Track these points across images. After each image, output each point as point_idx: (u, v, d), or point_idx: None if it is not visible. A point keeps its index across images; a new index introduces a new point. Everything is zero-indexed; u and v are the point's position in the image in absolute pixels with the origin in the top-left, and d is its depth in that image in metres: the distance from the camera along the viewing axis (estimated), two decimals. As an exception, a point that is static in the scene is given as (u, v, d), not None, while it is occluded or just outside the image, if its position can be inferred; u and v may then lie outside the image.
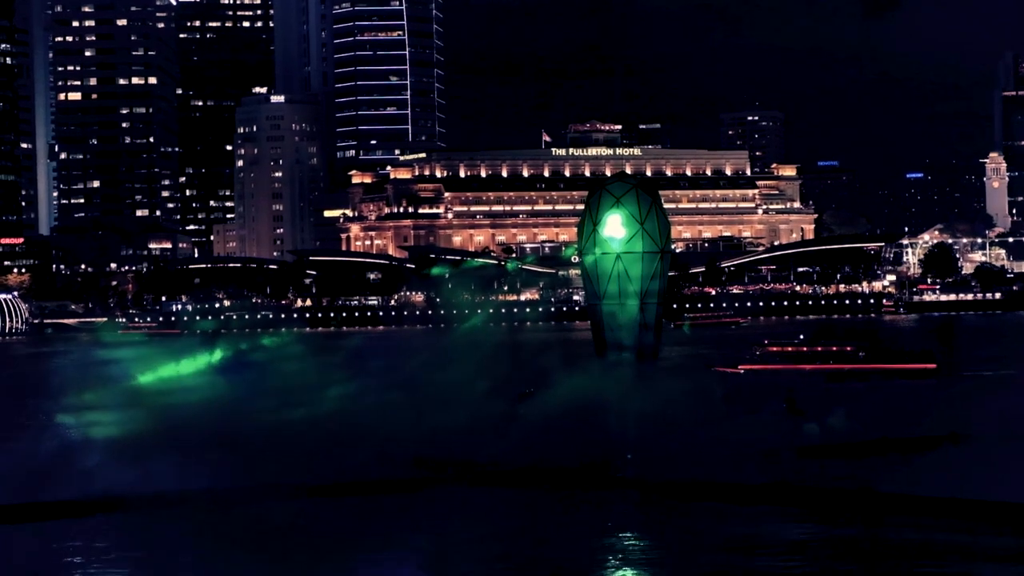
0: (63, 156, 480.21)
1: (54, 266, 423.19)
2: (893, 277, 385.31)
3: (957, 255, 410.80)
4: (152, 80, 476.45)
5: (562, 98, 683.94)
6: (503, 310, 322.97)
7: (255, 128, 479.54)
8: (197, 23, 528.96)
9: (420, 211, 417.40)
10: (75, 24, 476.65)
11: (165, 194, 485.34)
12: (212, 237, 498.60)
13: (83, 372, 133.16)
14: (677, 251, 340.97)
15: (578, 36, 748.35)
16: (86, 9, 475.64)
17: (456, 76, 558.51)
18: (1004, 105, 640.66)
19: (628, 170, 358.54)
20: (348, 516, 62.32)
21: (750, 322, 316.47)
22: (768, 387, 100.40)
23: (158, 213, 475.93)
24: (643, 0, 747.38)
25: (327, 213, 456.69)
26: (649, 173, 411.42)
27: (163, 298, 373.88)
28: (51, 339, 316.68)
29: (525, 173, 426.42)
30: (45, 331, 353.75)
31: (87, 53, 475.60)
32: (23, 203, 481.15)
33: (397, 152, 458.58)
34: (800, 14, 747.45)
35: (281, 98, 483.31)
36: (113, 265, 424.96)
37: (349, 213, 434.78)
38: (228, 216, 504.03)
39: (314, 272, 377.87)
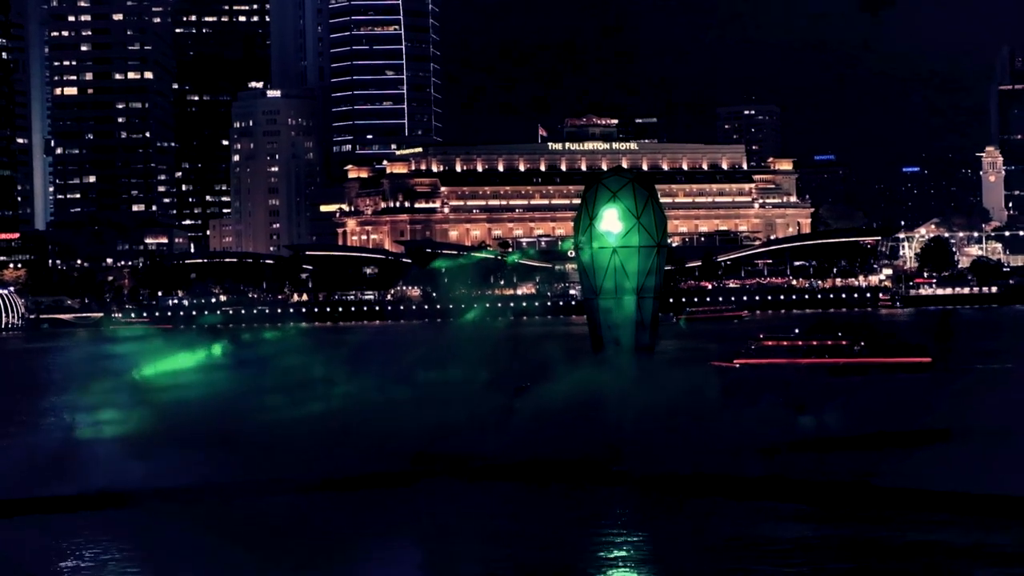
0: (59, 151, 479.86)
1: (50, 261, 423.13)
2: (889, 271, 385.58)
3: (953, 249, 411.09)
4: (148, 75, 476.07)
5: (558, 92, 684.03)
6: (500, 304, 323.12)
7: (251, 123, 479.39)
8: (193, 17, 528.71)
9: (416, 206, 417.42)
10: (71, 19, 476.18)
11: (161, 189, 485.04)
12: (208, 232, 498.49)
13: (85, 367, 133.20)
14: (673, 245, 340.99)
15: (574, 30, 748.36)
16: (82, 4, 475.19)
17: (452, 70, 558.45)
18: (1000, 99, 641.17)
19: (624, 164, 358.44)
20: (346, 511, 62.34)
21: (752, 316, 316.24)
22: (764, 381, 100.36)
23: (154, 208, 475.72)
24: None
25: (323, 208, 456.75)
26: (645, 167, 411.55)
27: (159, 293, 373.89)
28: (48, 335, 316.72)
29: (521, 167, 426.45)
30: (41, 326, 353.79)
31: (83, 48, 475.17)
32: (19, 198, 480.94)
33: (393, 147, 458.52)
34: (797, 8, 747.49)
35: (277, 93, 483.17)
36: (109, 260, 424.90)
37: (345, 208, 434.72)
38: (224, 211, 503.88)
39: (310, 267, 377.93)
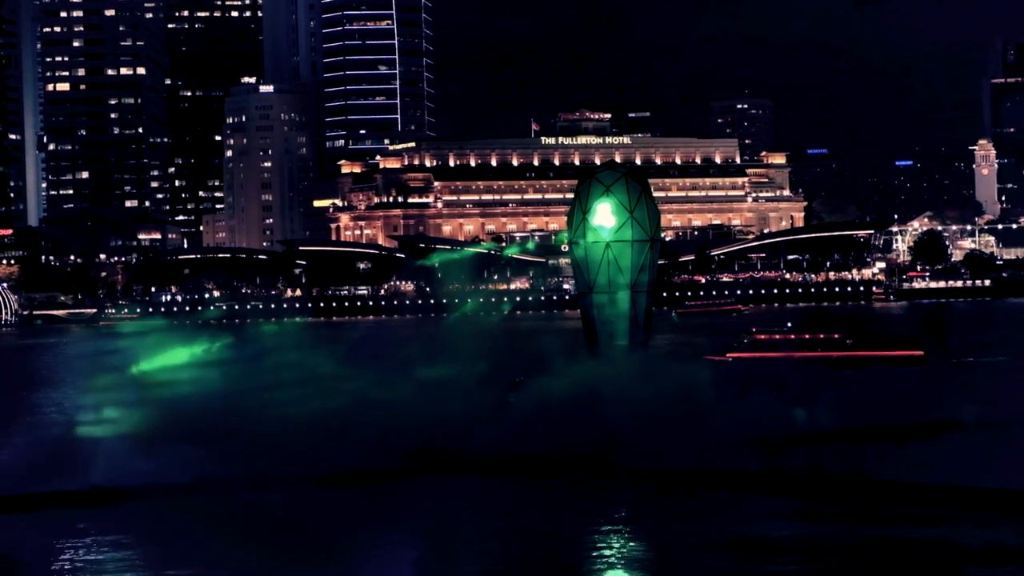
0: (52, 147, 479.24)
1: (43, 257, 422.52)
2: (883, 264, 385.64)
3: (947, 242, 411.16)
4: (141, 70, 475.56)
5: (551, 87, 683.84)
6: (493, 299, 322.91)
7: (244, 118, 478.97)
8: (185, 13, 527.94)
9: (410, 201, 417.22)
10: (63, 14, 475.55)
11: (154, 184, 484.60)
12: (201, 227, 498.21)
13: (85, 362, 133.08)
14: (667, 239, 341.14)
15: (567, 25, 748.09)
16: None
17: (445, 65, 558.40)
18: (993, 92, 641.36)
19: (617, 159, 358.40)
20: (342, 507, 62.32)
21: (751, 310, 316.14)
22: (756, 375, 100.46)
23: (147, 204, 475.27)
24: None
25: (316, 203, 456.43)
26: (639, 161, 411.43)
27: (153, 289, 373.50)
28: (41, 331, 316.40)
29: (515, 162, 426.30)
30: (35, 323, 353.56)
31: (75, 44, 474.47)
32: (11, 194, 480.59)
33: (386, 142, 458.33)
34: (790, 2, 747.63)
35: (270, 88, 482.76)
36: (102, 256, 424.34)
37: (339, 203, 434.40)
38: (217, 206, 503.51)
39: (304, 262, 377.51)
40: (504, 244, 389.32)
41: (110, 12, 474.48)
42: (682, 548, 52.58)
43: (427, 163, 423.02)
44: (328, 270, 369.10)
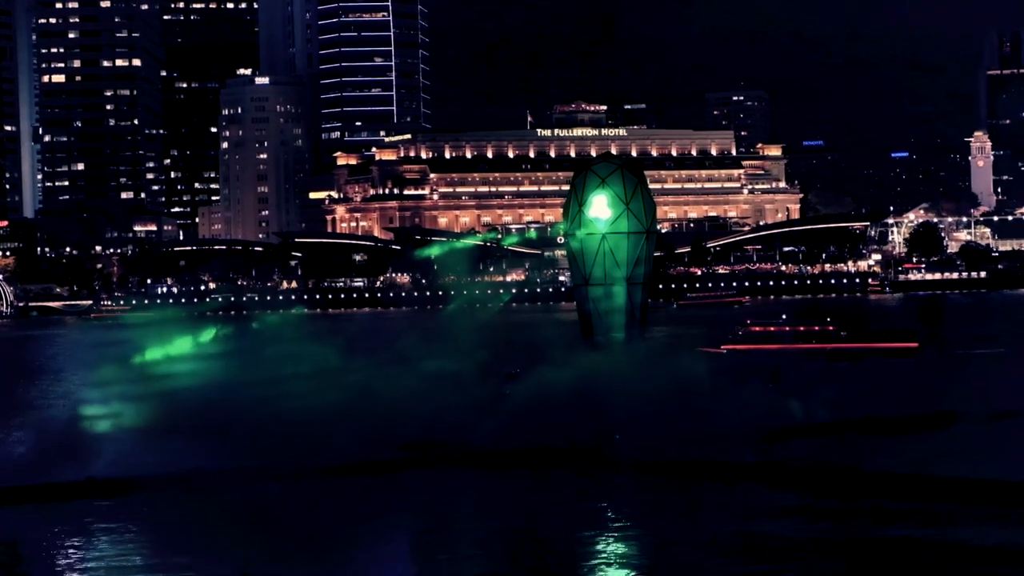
0: (47, 138, 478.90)
1: (39, 249, 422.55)
2: (878, 256, 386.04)
3: (942, 234, 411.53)
4: (136, 62, 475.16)
5: (547, 79, 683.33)
6: (489, 291, 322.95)
7: (240, 110, 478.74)
8: (181, 4, 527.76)
9: (405, 192, 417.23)
10: (59, 6, 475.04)
11: (150, 176, 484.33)
12: (197, 219, 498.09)
13: (87, 353, 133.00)
14: (663, 231, 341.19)
15: (563, 16, 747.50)
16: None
17: (441, 57, 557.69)
18: (989, 84, 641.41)
19: (613, 151, 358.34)
20: (338, 498, 62.41)
21: (752, 301, 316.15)
22: (751, 367, 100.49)
23: (143, 195, 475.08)
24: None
25: (312, 195, 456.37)
26: (634, 153, 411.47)
27: (148, 280, 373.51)
28: (37, 322, 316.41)
29: (510, 154, 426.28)
30: (30, 314, 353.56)
31: (71, 35, 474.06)
32: (7, 186, 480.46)
33: (382, 133, 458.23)
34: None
35: (266, 80, 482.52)
36: (98, 248, 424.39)
37: (334, 195, 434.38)
38: (213, 198, 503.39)
39: (300, 254, 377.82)
40: (500, 236, 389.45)
41: (106, 3, 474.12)
42: (677, 542, 52.64)
43: (423, 155, 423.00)
44: (324, 262, 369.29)
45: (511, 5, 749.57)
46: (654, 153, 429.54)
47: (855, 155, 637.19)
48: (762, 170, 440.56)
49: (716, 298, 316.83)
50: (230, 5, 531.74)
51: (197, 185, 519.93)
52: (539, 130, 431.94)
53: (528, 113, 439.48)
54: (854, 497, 58.58)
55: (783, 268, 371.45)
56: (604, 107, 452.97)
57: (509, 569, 48.71)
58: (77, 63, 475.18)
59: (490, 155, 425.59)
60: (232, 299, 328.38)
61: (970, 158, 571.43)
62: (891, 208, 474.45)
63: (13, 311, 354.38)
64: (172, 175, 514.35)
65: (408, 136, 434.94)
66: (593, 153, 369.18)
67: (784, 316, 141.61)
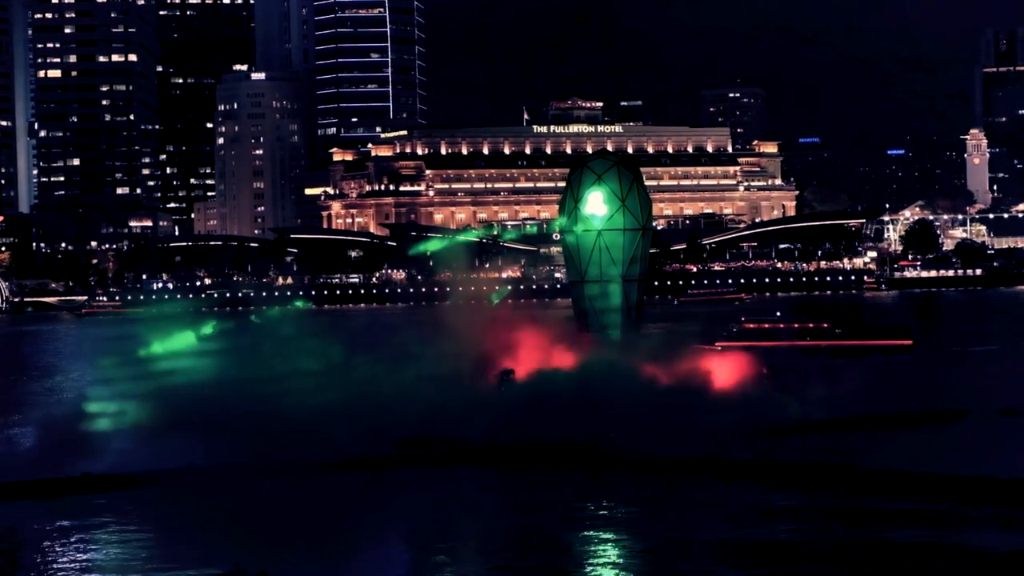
0: (43, 134, 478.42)
1: (34, 244, 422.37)
2: (874, 254, 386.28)
3: (938, 231, 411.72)
4: (132, 57, 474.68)
5: (543, 75, 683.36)
6: (485, 288, 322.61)
7: (236, 105, 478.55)
8: (177, 0, 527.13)
9: (401, 189, 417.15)
10: (54, 1, 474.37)
11: (146, 172, 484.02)
12: (193, 215, 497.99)
13: (90, 347, 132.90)
14: (658, 228, 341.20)
15: (560, 13, 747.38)
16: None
17: (437, 53, 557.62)
18: (985, 81, 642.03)
19: (609, 147, 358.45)
20: (337, 494, 62.39)
21: (754, 298, 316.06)
22: (746, 364, 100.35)
23: (138, 191, 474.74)
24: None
25: (308, 191, 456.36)
26: (630, 150, 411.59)
27: (144, 276, 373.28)
28: (32, 318, 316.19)
29: (506, 151, 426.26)
30: (25, 310, 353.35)
31: (67, 30, 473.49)
32: (2, 181, 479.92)
33: (378, 129, 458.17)
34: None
35: (262, 75, 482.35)
36: (93, 243, 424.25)
37: (330, 191, 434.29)
38: (209, 194, 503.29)
39: (295, 250, 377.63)
40: (496, 233, 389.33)
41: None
42: (673, 540, 52.66)
43: (419, 151, 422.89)
44: (320, 258, 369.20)
45: (508, 2, 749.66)
46: (650, 150, 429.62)
47: (851, 152, 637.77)
48: (758, 167, 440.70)
49: (717, 295, 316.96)
50: (226, 0, 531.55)
51: (193, 181, 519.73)
52: (535, 127, 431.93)
53: (524, 110, 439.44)
54: (850, 494, 58.61)
55: (779, 265, 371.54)
56: (600, 104, 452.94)
57: (506, 566, 48.72)
58: (73, 58, 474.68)
59: (486, 151, 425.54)
60: (228, 295, 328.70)
61: (966, 155, 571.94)
62: (887, 205, 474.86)
63: (8, 307, 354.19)
64: (168, 170, 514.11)
65: (404, 132, 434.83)
66: (589, 150, 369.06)
67: (779, 313, 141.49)
